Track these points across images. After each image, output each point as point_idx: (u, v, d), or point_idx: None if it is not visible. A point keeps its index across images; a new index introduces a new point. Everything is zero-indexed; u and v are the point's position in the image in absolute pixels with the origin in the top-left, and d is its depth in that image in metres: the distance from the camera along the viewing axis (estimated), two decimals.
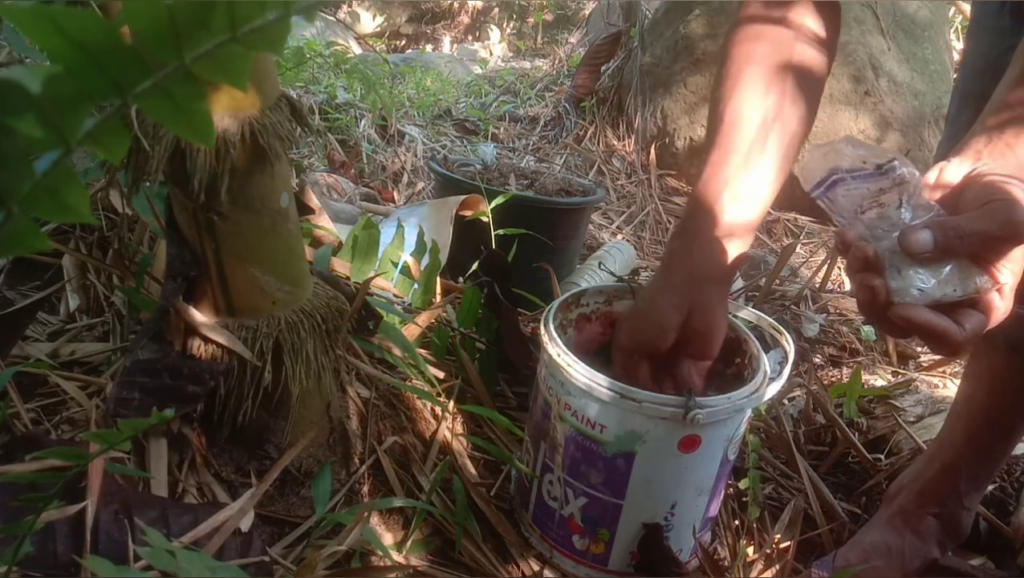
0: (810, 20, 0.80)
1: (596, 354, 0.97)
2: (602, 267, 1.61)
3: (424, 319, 1.09)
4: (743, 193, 0.79)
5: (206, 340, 0.75)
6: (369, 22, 6.55)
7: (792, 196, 2.49)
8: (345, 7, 6.35)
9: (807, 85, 0.81)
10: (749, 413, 0.87)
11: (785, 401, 1.32)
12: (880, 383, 1.45)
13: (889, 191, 0.60)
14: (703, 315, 0.82)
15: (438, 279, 1.20)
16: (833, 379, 1.50)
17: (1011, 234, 0.54)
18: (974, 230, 0.54)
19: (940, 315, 0.56)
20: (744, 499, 1.01)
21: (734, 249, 0.81)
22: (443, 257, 1.24)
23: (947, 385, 1.41)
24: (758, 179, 0.80)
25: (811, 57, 0.81)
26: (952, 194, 0.59)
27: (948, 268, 0.57)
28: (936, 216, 0.59)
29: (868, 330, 1.64)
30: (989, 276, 0.56)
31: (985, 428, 0.93)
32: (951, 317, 0.56)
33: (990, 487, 1.10)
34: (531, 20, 6.73)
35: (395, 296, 1.19)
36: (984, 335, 0.89)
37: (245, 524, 0.73)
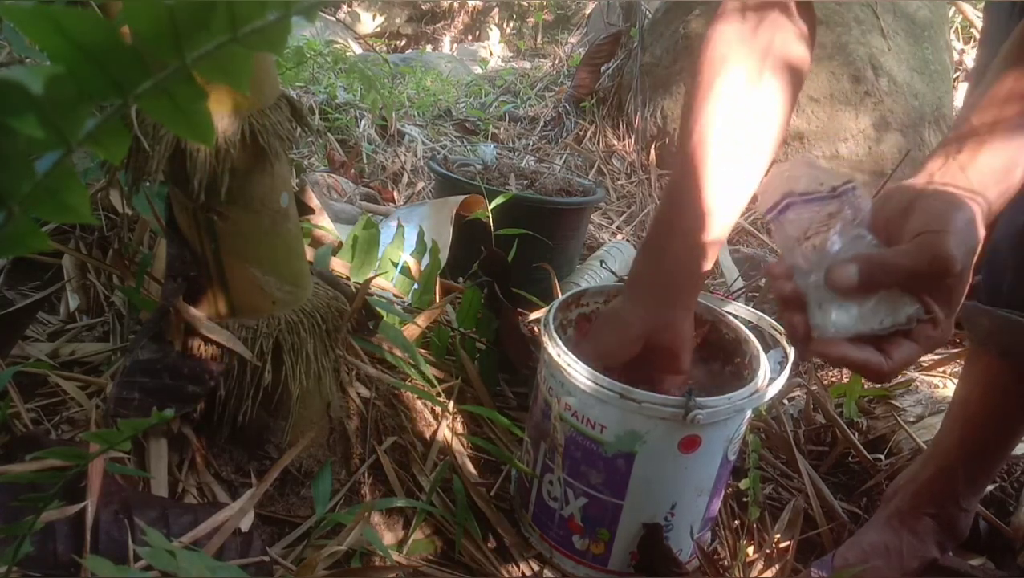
0: (788, 18, 0.80)
1: None
2: (604, 265, 1.62)
3: (424, 319, 1.09)
4: (714, 206, 0.79)
5: (206, 340, 0.75)
6: (369, 22, 6.55)
7: None
8: (345, 7, 6.35)
9: (785, 87, 0.80)
10: (749, 413, 0.87)
11: (785, 401, 1.32)
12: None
13: (836, 216, 0.61)
14: (667, 331, 0.82)
15: (438, 279, 1.20)
16: (833, 379, 1.49)
17: (939, 270, 0.54)
18: (900, 266, 0.55)
19: (862, 347, 0.57)
20: (744, 499, 1.01)
21: (701, 264, 0.81)
22: (443, 257, 1.24)
23: (947, 385, 1.41)
24: (729, 192, 0.80)
25: (790, 58, 0.80)
26: (898, 218, 0.59)
27: (874, 300, 0.58)
28: (868, 247, 0.59)
29: None
30: (923, 305, 0.57)
31: (980, 432, 0.93)
32: (882, 345, 0.57)
33: (990, 487, 1.10)
34: (531, 20, 6.73)
35: (395, 296, 1.19)
36: (976, 342, 0.89)
37: (245, 524, 0.73)
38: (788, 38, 0.80)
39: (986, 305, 0.84)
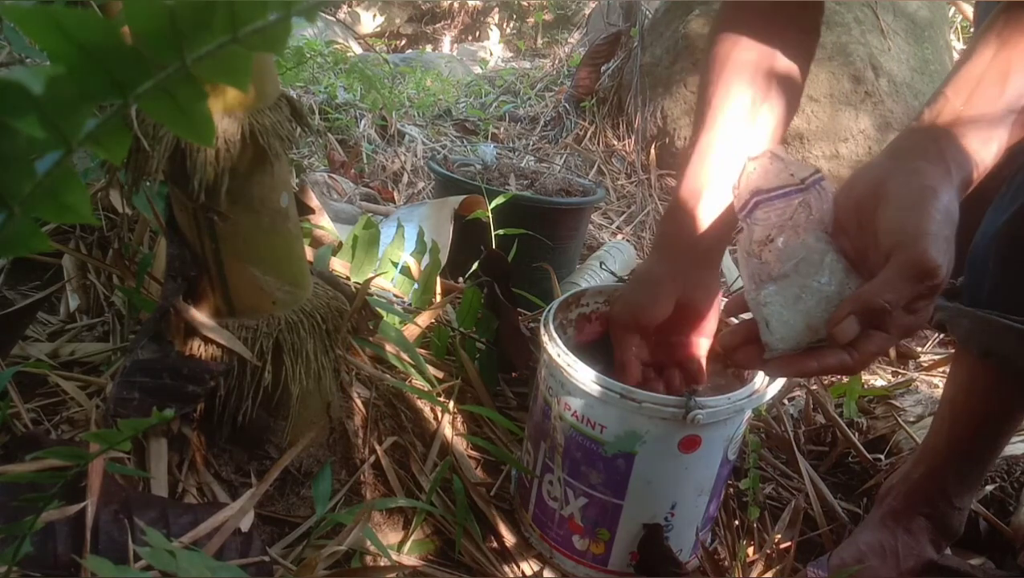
0: (789, 18, 0.81)
1: (595, 349, 0.97)
2: (603, 266, 1.61)
3: (424, 319, 1.09)
4: (731, 174, 0.80)
5: (206, 340, 0.75)
6: (369, 22, 6.55)
7: None
8: (345, 7, 6.35)
9: (787, 80, 0.82)
10: (749, 413, 0.87)
11: (785, 401, 1.32)
12: (880, 383, 1.45)
13: (797, 213, 0.62)
14: (696, 288, 0.83)
15: (438, 279, 1.20)
16: (833, 379, 1.49)
17: (932, 284, 0.55)
18: (894, 301, 0.55)
19: (820, 354, 0.59)
20: (744, 499, 1.01)
21: (723, 229, 0.82)
22: (443, 257, 1.24)
23: None
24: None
25: (790, 53, 0.81)
26: (869, 202, 0.60)
27: (821, 309, 0.59)
28: (816, 252, 0.60)
29: None
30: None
31: (967, 431, 0.93)
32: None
33: (990, 487, 1.10)
34: (531, 20, 6.73)
35: (395, 296, 1.19)
36: (959, 342, 0.90)
37: (245, 524, 0.73)
38: (787, 46, 0.81)
39: (968, 306, 0.85)
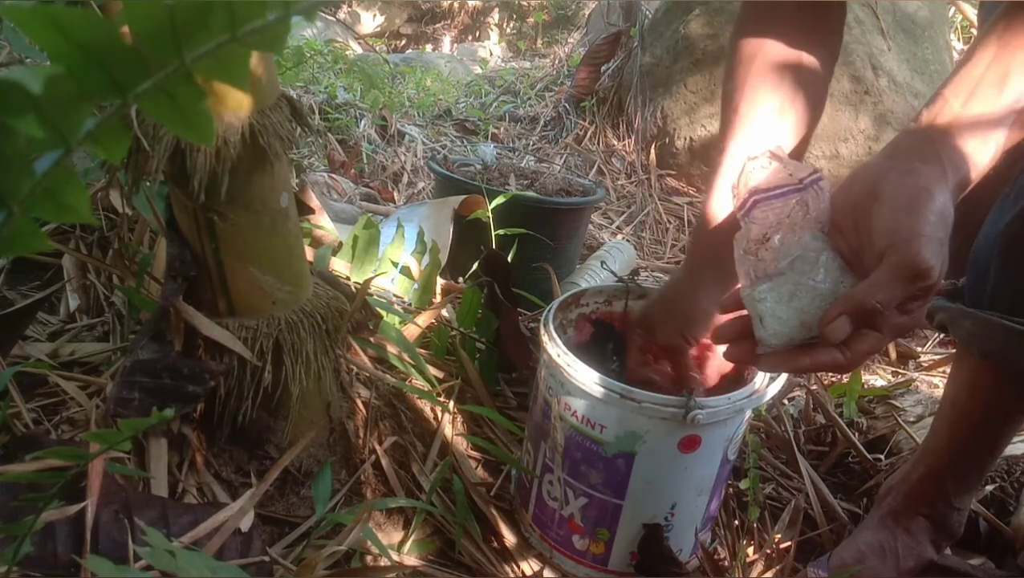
0: (814, 18, 0.81)
1: (595, 349, 0.97)
2: (604, 266, 1.61)
3: (424, 319, 1.09)
4: None
5: (206, 340, 0.75)
6: (369, 22, 6.56)
7: None
8: (345, 7, 6.35)
9: (814, 83, 0.82)
10: (749, 413, 0.87)
11: (785, 401, 1.32)
12: (880, 383, 1.45)
13: (794, 211, 0.62)
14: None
15: (438, 279, 1.20)
16: (833, 379, 1.50)
17: (924, 285, 0.55)
18: (892, 297, 0.56)
19: (812, 351, 0.59)
20: (744, 499, 1.01)
21: None
22: (443, 257, 1.24)
23: None
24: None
25: (816, 54, 0.82)
26: (865, 202, 0.60)
27: (815, 307, 0.59)
28: (812, 251, 0.61)
29: None
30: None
31: (967, 432, 0.93)
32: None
33: (990, 487, 1.10)
34: (531, 20, 6.74)
35: (395, 296, 1.19)
36: (959, 343, 0.91)
37: (245, 524, 0.73)
38: (809, 50, 0.81)
39: (969, 307, 0.84)
